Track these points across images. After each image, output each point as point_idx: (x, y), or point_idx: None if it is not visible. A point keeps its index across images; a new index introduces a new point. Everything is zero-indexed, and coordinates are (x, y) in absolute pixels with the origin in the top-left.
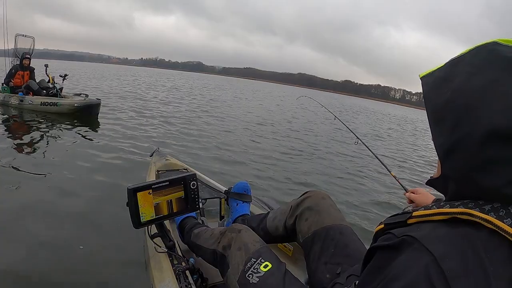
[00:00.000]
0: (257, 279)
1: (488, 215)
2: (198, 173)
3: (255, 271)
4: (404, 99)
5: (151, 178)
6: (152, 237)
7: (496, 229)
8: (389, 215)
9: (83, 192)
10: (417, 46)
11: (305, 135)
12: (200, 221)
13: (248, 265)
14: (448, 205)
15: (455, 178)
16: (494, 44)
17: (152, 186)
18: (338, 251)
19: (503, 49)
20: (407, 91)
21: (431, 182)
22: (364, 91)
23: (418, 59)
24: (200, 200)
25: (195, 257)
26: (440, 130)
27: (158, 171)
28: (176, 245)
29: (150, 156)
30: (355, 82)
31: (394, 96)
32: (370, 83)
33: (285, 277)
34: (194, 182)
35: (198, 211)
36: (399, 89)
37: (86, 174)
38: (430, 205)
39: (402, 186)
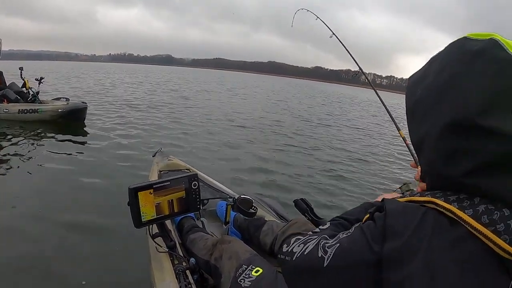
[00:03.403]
0: (249, 283)
1: (451, 204)
2: (200, 173)
3: (246, 276)
4: (374, 82)
5: (153, 178)
6: (153, 237)
7: (456, 218)
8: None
9: (87, 194)
10: (384, 29)
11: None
12: (200, 223)
13: (240, 271)
14: (419, 194)
15: (426, 171)
16: (464, 39)
17: (154, 186)
18: None
19: (470, 43)
20: (377, 74)
21: (421, 178)
22: (335, 77)
23: (386, 42)
24: (201, 200)
25: None
26: (412, 126)
27: (160, 171)
28: (177, 245)
29: (153, 156)
30: (325, 68)
31: (365, 80)
32: (341, 68)
33: (277, 279)
34: (196, 182)
35: (199, 211)
36: (369, 73)
37: (85, 178)
38: (404, 194)
39: (412, 154)
